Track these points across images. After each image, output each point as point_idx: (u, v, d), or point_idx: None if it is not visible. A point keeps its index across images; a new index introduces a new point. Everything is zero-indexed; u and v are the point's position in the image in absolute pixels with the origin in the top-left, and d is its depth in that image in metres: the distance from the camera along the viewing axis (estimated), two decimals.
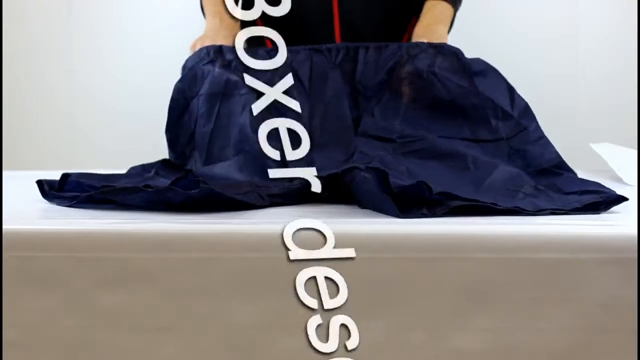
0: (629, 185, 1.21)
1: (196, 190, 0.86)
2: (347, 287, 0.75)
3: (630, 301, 0.74)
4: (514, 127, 1.18)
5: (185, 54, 2.20)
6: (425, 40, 1.29)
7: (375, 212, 0.89)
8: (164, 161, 1.22)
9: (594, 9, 2.10)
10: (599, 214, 0.89)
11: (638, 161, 1.26)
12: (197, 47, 1.31)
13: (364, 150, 1.14)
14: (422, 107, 1.19)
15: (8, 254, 0.76)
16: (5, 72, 2.17)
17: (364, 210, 0.91)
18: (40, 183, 0.98)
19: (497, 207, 0.87)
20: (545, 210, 0.88)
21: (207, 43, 1.29)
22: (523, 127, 1.18)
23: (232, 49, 1.25)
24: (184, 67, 1.29)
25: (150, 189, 0.88)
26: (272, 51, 1.25)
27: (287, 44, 1.42)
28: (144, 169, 1.17)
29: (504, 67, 2.13)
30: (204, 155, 1.20)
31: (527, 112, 1.20)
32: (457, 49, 1.26)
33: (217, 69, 1.23)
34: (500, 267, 0.75)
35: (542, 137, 1.17)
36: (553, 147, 1.16)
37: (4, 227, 0.77)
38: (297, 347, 0.76)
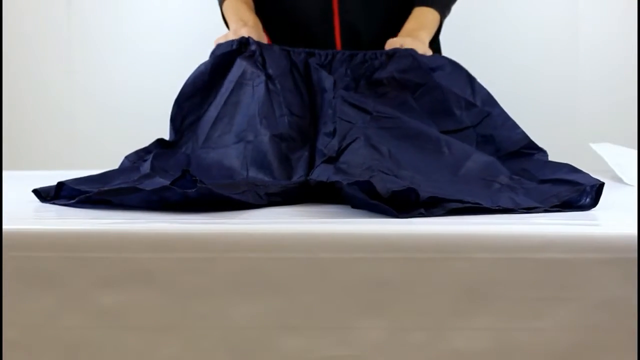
0: (629, 185, 1.21)
1: (193, 190, 0.86)
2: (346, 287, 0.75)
3: (630, 301, 0.74)
4: (478, 114, 1.21)
5: (185, 54, 2.20)
6: (405, 43, 1.32)
7: (374, 213, 0.89)
8: (158, 142, 1.22)
9: (594, 10, 2.10)
10: (586, 210, 0.89)
11: (638, 161, 1.25)
12: (221, 42, 1.33)
13: (344, 117, 1.15)
14: (387, 111, 1.21)
15: (8, 254, 0.76)
16: (5, 72, 2.17)
17: (364, 210, 0.91)
18: (36, 192, 0.98)
19: (485, 206, 0.88)
20: (532, 208, 0.88)
21: (230, 37, 1.33)
22: (487, 113, 1.20)
23: (256, 41, 1.29)
24: (212, 53, 1.31)
25: (147, 189, 0.88)
26: (282, 50, 1.29)
27: (287, 43, 1.44)
28: (138, 156, 1.17)
29: (505, 67, 2.13)
30: (202, 137, 1.21)
31: (489, 99, 1.23)
32: (412, 50, 1.30)
33: (239, 59, 1.26)
34: (500, 267, 0.75)
35: (507, 120, 1.19)
36: (520, 128, 1.18)
37: (3, 227, 0.77)
38: (297, 347, 0.76)
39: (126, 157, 1.17)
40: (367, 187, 0.87)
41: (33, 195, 0.98)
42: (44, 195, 0.98)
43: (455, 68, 1.28)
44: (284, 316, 0.76)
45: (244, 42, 1.28)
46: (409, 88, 1.24)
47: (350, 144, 1.08)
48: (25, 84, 2.22)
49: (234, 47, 1.28)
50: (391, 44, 1.35)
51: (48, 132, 2.23)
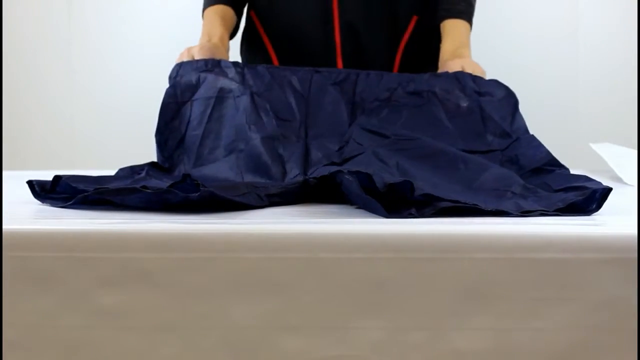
0: (629, 185, 1.21)
1: (196, 194, 0.86)
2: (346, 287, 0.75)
3: (630, 301, 0.74)
4: (510, 140, 1.21)
5: None
6: (466, 67, 1.33)
7: (366, 210, 0.89)
8: (152, 164, 1.23)
9: (594, 9, 2.10)
10: (589, 215, 0.88)
11: (638, 161, 1.25)
12: (177, 61, 1.35)
13: (357, 139, 1.16)
14: (420, 123, 1.22)
15: (8, 254, 0.76)
16: (5, 72, 2.17)
17: (364, 210, 0.91)
18: (30, 183, 0.97)
19: (481, 208, 0.87)
20: (531, 212, 0.87)
21: (185, 58, 1.34)
22: (515, 138, 1.20)
23: (232, 62, 1.29)
24: (171, 76, 1.32)
25: (148, 190, 0.88)
26: (271, 68, 1.28)
27: (285, 45, 1.44)
28: (133, 170, 1.17)
29: (505, 67, 2.13)
30: (193, 157, 1.21)
31: (524, 131, 1.23)
32: (459, 72, 1.30)
33: (211, 75, 1.26)
34: (500, 267, 0.75)
35: (533, 141, 1.18)
36: (544, 147, 1.17)
37: (3, 227, 0.77)
38: (297, 347, 0.76)
39: (120, 170, 1.17)
40: (365, 179, 0.87)
41: (32, 195, 0.98)
42: (39, 188, 0.97)
43: (507, 96, 1.28)
44: (284, 316, 0.76)
45: (214, 63, 1.29)
46: (447, 107, 1.25)
47: (356, 155, 1.09)
48: (25, 84, 2.22)
49: (200, 66, 1.29)
50: (451, 67, 1.35)
51: (48, 132, 2.23)
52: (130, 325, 0.77)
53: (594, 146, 1.39)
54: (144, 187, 0.88)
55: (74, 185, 0.96)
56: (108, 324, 0.77)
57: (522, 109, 1.28)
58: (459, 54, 1.40)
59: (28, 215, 0.89)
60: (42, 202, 0.97)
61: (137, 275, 0.76)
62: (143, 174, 1.11)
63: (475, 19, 2.06)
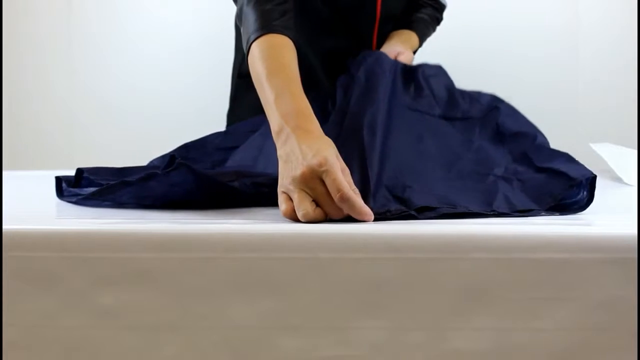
0: (629, 185, 1.21)
1: (172, 168, 0.85)
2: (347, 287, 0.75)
3: (630, 301, 0.74)
4: (486, 108, 1.22)
5: (185, 54, 2.19)
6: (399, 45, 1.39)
7: None
8: (185, 147, 1.21)
9: (594, 10, 2.10)
10: (583, 210, 0.89)
11: (638, 161, 1.25)
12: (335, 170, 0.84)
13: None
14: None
15: (8, 254, 0.76)
16: (6, 72, 2.17)
17: None
18: (58, 179, 0.98)
19: (477, 212, 0.87)
20: (525, 211, 0.87)
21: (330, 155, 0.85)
22: (493, 106, 1.22)
23: None
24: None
25: (135, 183, 0.88)
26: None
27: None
28: (164, 159, 1.17)
29: (505, 68, 2.13)
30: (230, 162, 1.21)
31: (494, 97, 1.25)
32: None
33: None
34: (500, 267, 0.75)
35: (515, 112, 1.19)
36: (524, 117, 1.19)
37: (4, 227, 0.77)
38: (297, 347, 0.76)
39: (150, 162, 1.17)
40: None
41: (34, 195, 0.98)
42: (66, 184, 0.98)
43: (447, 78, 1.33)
44: (284, 316, 0.76)
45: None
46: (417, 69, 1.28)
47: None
48: (25, 85, 2.22)
49: None
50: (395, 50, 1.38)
51: (48, 132, 2.23)
52: (130, 325, 0.77)
53: (594, 146, 1.39)
54: (126, 181, 0.88)
55: (92, 177, 0.97)
56: (108, 324, 0.77)
57: (522, 108, 1.28)
58: (403, 40, 1.46)
59: (28, 215, 0.90)
60: (60, 199, 0.97)
61: (137, 275, 0.76)
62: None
63: (475, 19, 2.06)
